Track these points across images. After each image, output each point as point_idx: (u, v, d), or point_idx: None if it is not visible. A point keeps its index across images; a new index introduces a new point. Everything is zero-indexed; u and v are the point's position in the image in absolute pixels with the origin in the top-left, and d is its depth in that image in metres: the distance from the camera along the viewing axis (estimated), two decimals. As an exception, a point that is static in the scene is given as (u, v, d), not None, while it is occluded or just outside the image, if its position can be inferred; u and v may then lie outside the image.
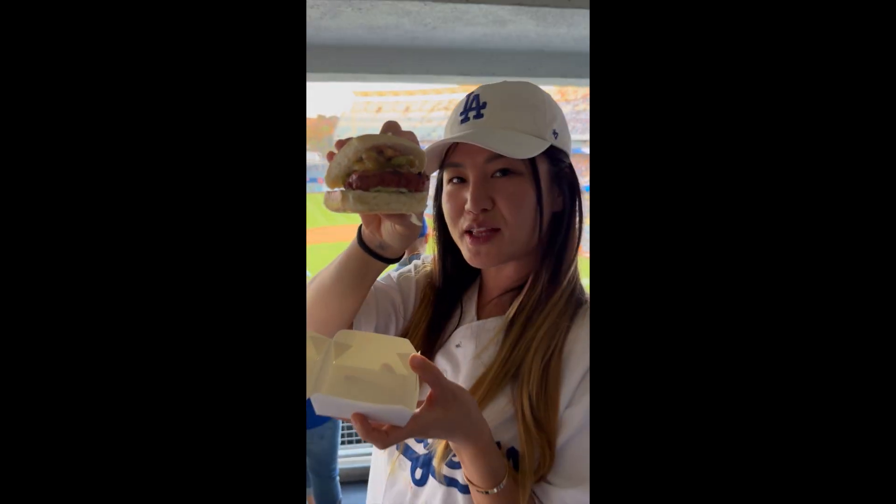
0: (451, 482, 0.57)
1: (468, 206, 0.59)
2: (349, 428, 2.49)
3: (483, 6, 1.47)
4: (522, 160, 0.59)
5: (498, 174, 0.59)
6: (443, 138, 0.63)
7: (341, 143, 0.51)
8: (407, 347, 0.49)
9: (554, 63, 1.80)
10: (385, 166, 0.50)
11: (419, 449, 0.61)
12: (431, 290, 0.71)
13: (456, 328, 0.67)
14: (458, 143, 0.60)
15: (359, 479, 2.29)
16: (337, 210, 0.51)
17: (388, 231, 0.56)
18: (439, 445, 0.58)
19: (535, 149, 0.59)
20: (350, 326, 0.66)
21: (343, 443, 2.42)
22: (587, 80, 1.88)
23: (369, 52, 1.77)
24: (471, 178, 0.60)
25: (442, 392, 0.48)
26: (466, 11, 1.50)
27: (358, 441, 2.55)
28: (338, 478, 2.00)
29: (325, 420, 1.86)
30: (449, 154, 0.62)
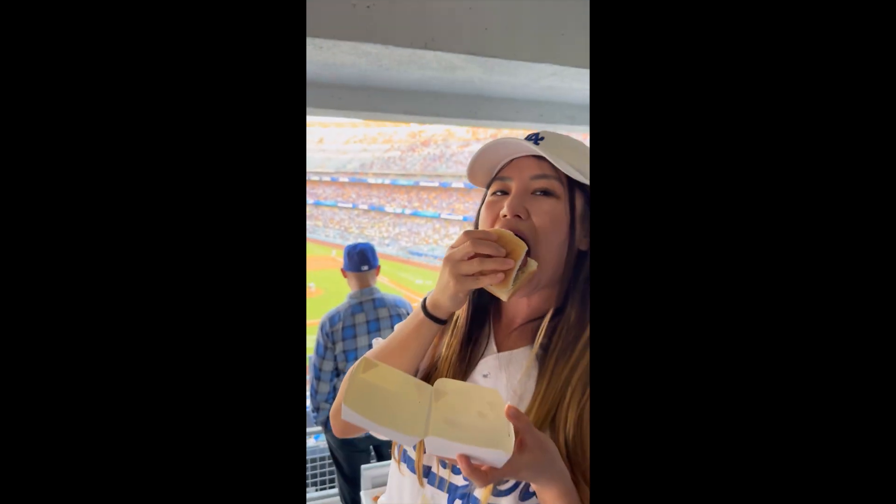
0: None
1: (503, 211, 0.64)
2: (314, 470, 2.31)
3: (438, 53, 1.65)
4: (562, 188, 0.64)
5: (538, 192, 0.65)
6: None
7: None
8: (495, 397, 0.56)
9: (489, 107, 2.05)
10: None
11: (458, 481, 0.62)
12: (457, 319, 0.73)
13: (481, 357, 0.68)
14: (510, 161, 0.67)
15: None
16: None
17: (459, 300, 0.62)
18: None
19: (581, 178, 0.64)
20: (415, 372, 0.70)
21: (308, 485, 2.22)
22: (517, 124, 2.17)
23: (322, 88, 1.83)
24: (513, 189, 0.65)
25: (533, 439, 0.51)
26: (423, 56, 1.66)
27: (323, 485, 2.36)
28: None
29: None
30: (500, 170, 0.69)
